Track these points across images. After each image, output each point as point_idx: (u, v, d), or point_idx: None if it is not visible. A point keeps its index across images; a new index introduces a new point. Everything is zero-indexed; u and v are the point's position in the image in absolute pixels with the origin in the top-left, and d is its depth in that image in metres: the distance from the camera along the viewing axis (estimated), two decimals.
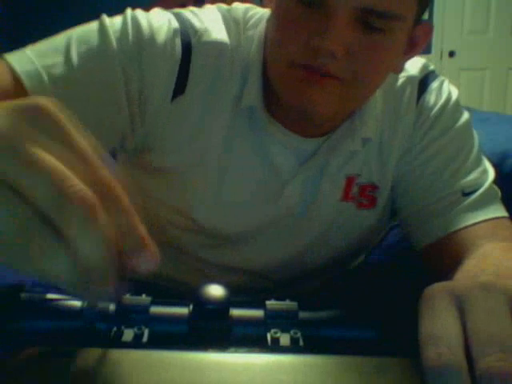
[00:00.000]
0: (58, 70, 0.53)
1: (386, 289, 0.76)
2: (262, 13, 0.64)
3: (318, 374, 0.31)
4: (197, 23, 0.60)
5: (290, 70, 0.54)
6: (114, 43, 0.55)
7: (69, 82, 0.53)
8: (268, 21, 0.59)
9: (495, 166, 0.68)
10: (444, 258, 0.61)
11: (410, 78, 0.66)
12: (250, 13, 0.64)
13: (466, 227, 0.61)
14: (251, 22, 0.63)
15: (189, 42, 0.59)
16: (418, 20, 0.56)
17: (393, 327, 0.34)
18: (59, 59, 0.53)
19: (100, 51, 0.55)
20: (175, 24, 0.59)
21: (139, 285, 0.77)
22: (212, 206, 0.65)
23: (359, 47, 0.52)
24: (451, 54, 3.52)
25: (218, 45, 0.60)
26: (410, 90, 0.66)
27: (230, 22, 0.62)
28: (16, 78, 0.51)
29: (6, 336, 0.34)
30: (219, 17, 0.62)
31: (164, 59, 0.57)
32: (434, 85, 0.67)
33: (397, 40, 0.54)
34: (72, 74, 0.53)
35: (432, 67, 0.69)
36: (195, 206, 0.65)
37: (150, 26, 0.57)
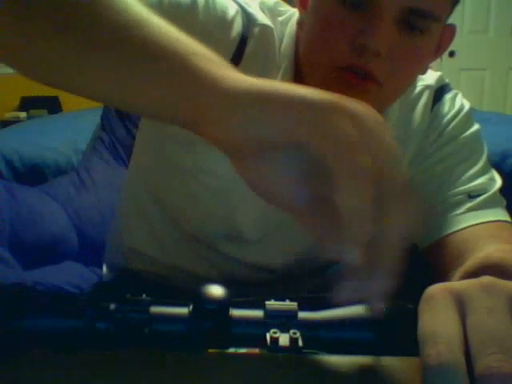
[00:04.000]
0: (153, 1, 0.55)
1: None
2: (292, 12, 0.66)
3: (318, 374, 0.31)
4: (248, 7, 0.63)
5: (332, 73, 0.55)
6: (200, 14, 0.58)
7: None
8: (301, 24, 0.61)
9: (495, 165, 0.69)
10: (447, 257, 0.61)
11: (426, 87, 0.69)
12: (280, 8, 0.66)
13: (469, 227, 0.61)
14: (282, 18, 0.65)
15: (246, 23, 0.61)
16: (446, 21, 0.58)
17: (392, 327, 0.34)
18: None
19: (187, 13, 0.57)
20: (236, 5, 0.62)
21: (147, 279, 0.78)
22: (236, 202, 0.66)
23: (401, 48, 0.53)
24: (451, 53, 3.52)
25: (268, 29, 0.62)
26: (426, 98, 0.68)
27: (265, 10, 0.64)
28: None
29: (6, 335, 0.34)
30: (257, 5, 0.65)
31: (227, 35, 0.60)
32: (448, 96, 0.70)
33: (432, 42, 0.57)
34: (161, 12, 0.56)
35: (447, 80, 0.72)
36: (223, 199, 0.66)
37: (224, 4, 0.60)
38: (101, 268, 0.91)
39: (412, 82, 0.61)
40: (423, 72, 0.63)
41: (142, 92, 0.36)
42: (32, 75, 0.38)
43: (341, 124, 0.31)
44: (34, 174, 1.26)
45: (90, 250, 1.16)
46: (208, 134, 0.34)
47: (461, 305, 0.29)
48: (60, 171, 1.30)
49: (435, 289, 0.31)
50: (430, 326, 0.28)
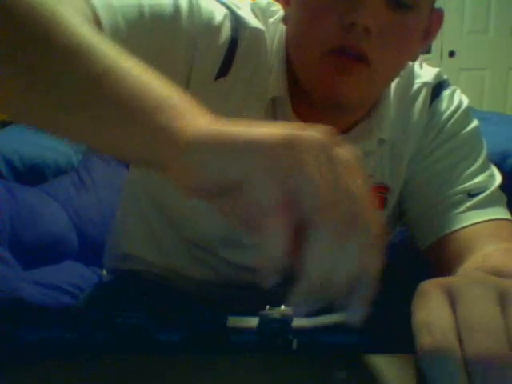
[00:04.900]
0: (134, 18, 0.54)
1: (387, 289, 0.76)
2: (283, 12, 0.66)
3: (313, 373, 0.31)
4: (238, 10, 0.62)
5: (322, 58, 0.55)
6: (184, 21, 0.57)
7: (139, 34, 0.54)
8: (286, 20, 0.61)
9: (495, 165, 0.69)
10: (447, 256, 0.61)
11: (424, 84, 0.69)
12: (273, 8, 0.66)
13: (470, 226, 0.61)
14: (273, 19, 0.64)
15: (236, 27, 0.60)
16: (433, 4, 0.58)
17: (386, 329, 0.35)
18: (134, 11, 0.54)
19: (171, 22, 0.56)
20: (224, 9, 0.61)
21: (147, 279, 0.78)
22: None
23: (391, 25, 0.53)
24: (451, 53, 3.52)
25: (259, 32, 0.62)
26: (424, 96, 0.68)
27: (257, 11, 0.64)
28: (95, 14, 0.52)
29: (6, 345, 0.34)
30: (248, 6, 0.64)
31: (215, 41, 0.59)
32: (446, 92, 0.69)
33: (421, 20, 0.56)
34: (144, 26, 0.55)
35: (445, 76, 0.72)
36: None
37: (209, 9, 0.59)
38: (101, 268, 0.91)
39: (402, 66, 0.61)
40: (413, 58, 0.62)
41: (110, 141, 0.37)
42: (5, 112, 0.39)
43: (303, 165, 0.31)
44: (34, 174, 1.26)
45: (90, 250, 1.16)
46: (171, 180, 0.35)
47: (451, 296, 0.31)
48: (60, 171, 1.30)
49: (428, 284, 0.33)
50: (423, 316, 0.30)
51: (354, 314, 0.33)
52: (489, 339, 0.28)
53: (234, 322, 0.35)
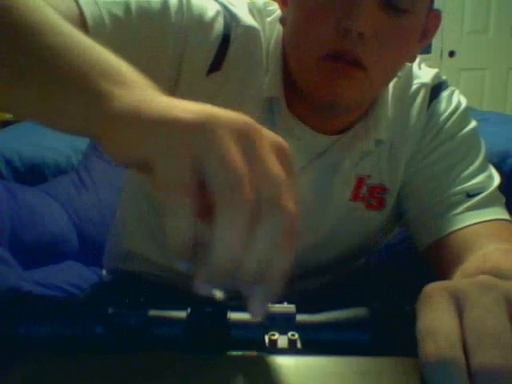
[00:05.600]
0: (119, 13, 0.54)
1: (387, 289, 0.76)
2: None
3: (316, 375, 0.31)
4: (232, 8, 0.62)
5: (318, 62, 0.55)
6: (173, 16, 0.56)
7: (126, 30, 0.54)
8: (284, 21, 0.61)
9: (495, 165, 0.69)
10: (447, 257, 0.61)
11: (422, 85, 0.68)
12: (270, 7, 0.66)
13: (469, 226, 0.61)
14: (270, 19, 0.64)
15: (229, 24, 0.60)
16: (431, 5, 0.58)
17: (390, 328, 0.34)
18: (120, 7, 0.54)
19: (159, 18, 0.56)
20: (217, 6, 0.61)
21: (147, 279, 0.77)
22: None
23: (386, 28, 0.53)
24: (451, 53, 3.52)
25: (253, 30, 0.62)
26: (422, 97, 0.68)
27: (254, 11, 0.64)
28: (81, 14, 0.52)
29: (5, 340, 0.34)
30: (245, 5, 0.64)
31: (207, 36, 0.59)
32: (445, 93, 0.69)
33: (418, 22, 0.56)
34: (130, 22, 0.54)
35: (444, 77, 0.72)
36: None
37: (201, 5, 0.59)
38: (101, 268, 0.91)
39: (399, 67, 0.61)
40: (411, 59, 0.62)
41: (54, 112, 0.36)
42: None
43: (214, 143, 0.30)
44: (34, 174, 1.26)
45: (89, 250, 1.16)
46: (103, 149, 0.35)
47: (458, 302, 0.30)
48: (60, 171, 1.30)
49: (433, 287, 0.32)
50: (428, 322, 0.29)
51: (256, 306, 0.31)
52: (497, 350, 0.27)
53: (235, 317, 0.35)
